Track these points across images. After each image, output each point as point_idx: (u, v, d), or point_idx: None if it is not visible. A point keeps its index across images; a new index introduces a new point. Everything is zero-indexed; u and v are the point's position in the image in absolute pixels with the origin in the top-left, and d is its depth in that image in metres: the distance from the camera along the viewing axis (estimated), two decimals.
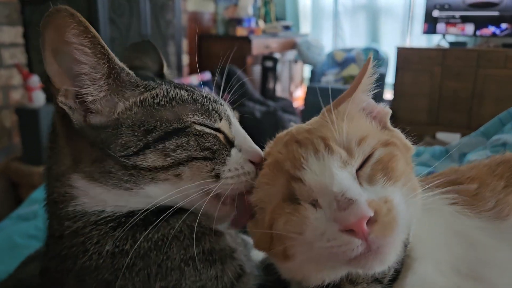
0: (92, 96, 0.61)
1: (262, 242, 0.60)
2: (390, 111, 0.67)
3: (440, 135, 4.16)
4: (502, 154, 0.73)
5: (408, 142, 0.65)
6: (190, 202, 0.64)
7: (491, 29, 4.33)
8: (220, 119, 0.67)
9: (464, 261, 0.59)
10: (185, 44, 4.15)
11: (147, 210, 0.61)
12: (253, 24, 4.93)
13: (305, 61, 5.44)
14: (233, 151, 0.67)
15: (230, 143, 0.67)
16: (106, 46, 0.60)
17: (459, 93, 4.39)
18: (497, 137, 1.34)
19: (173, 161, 0.61)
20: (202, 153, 0.63)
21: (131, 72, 0.64)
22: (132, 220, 0.61)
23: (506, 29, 4.26)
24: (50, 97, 2.69)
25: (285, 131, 0.67)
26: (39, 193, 1.48)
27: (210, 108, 0.66)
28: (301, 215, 0.53)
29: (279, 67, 4.98)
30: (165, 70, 0.81)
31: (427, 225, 0.59)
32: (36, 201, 1.44)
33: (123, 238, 0.61)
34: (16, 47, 2.77)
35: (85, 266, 0.60)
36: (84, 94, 0.61)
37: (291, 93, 5.73)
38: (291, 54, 5.59)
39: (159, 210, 0.62)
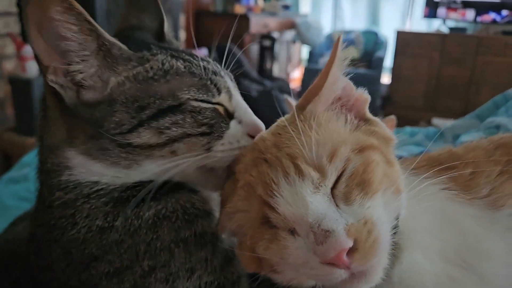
0: (82, 73, 0.59)
1: (250, 264, 0.58)
2: (369, 98, 0.62)
3: (436, 121, 4.15)
4: (500, 136, 0.71)
5: (388, 133, 0.60)
6: (184, 176, 0.63)
7: (492, 15, 4.30)
8: (219, 93, 0.64)
9: (453, 249, 0.58)
10: (182, 19, 4.10)
11: (141, 185, 0.61)
12: (252, 2, 4.87)
13: (304, 42, 5.39)
14: (232, 123, 0.64)
15: (229, 116, 0.65)
16: (93, 22, 0.57)
17: (457, 79, 4.38)
18: (491, 119, 1.34)
19: (168, 138, 0.59)
20: (199, 129, 0.61)
21: (123, 47, 0.60)
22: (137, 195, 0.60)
23: (507, 16, 4.23)
24: None
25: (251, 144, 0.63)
26: (30, 157, 1.49)
27: (209, 82, 0.63)
28: (280, 243, 0.51)
29: (277, 46, 4.94)
30: (166, 28, 0.76)
31: (417, 211, 0.57)
32: (27, 164, 1.43)
33: (114, 213, 0.60)
34: (9, 16, 2.71)
35: (72, 238, 0.59)
36: (73, 71, 0.58)
37: (288, 74, 5.69)
38: (289, 34, 5.53)
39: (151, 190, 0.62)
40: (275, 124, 0.62)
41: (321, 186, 0.50)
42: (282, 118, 0.62)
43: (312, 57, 5.22)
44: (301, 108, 0.58)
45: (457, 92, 4.39)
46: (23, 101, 2.58)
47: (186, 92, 0.60)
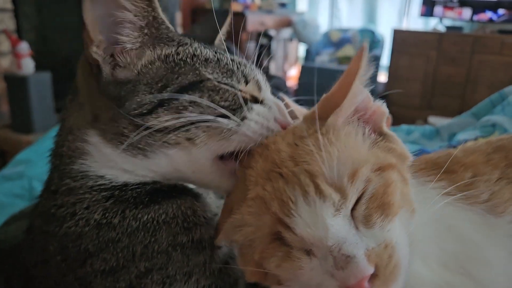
0: (129, 44, 0.59)
1: (253, 276, 0.56)
2: (387, 111, 0.59)
3: (432, 119, 4.16)
4: (499, 138, 0.69)
5: (405, 150, 0.58)
6: (197, 172, 0.61)
7: (488, 14, 4.30)
8: (246, 82, 0.62)
9: (452, 257, 0.57)
10: (178, 17, 4.08)
11: (143, 187, 0.60)
12: (248, 0, 4.85)
13: (301, 40, 5.38)
14: (260, 106, 0.62)
15: (257, 102, 0.62)
16: None
17: (453, 78, 4.39)
18: (487, 118, 1.35)
19: (185, 120, 0.56)
20: (217, 111, 0.57)
21: (171, 26, 0.62)
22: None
23: (503, 15, 4.24)
24: (39, 65, 2.66)
25: (262, 145, 0.59)
26: (24, 155, 1.47)
27: (235, 68, 0.62)
28: (294, 263, 0.49)
29: (273, 44, 4.93)
30: (217, 41, 0.76)
31: (417, 217, 0.55)
32: (21, 162, 1.42)
33: (113, 210, 0.59)
34: (4, 13, 2.70)
35: (69, 232, 0.59)
36: (118, 45, 0.58)
37: (285, 72, 5.69)
38: (286, 32, 5.52)
39: (155, 190, 0.61)
40: (290, 132, 0.58)
41: (342, 208, 0.48)
42: (298, 126, 0.58)
43: (309, 55, 5.22)
44: (320, 119, 0.54)
45: (453, 90, 4.39)
46: (18, 98, 2.58)
47: (210, 72, 0.60)
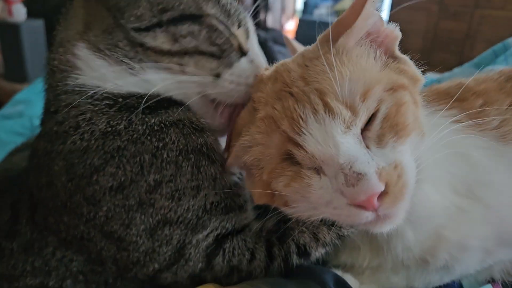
0: None
1: (261, 197, 0.57)
2: (400, 34, 0.59)
3: (431, 76, 4.14)
4: (511, 68, 0.69)
5: (417, 72, 0.59)
6: (187, 97, 0.61)
7: None
8: (239, 26, 0.64)
9: (462, 181, 0.59)
10: None
11: (147, 95, 0.59)
12: None
13: None
14: (244, 59, 0.64)
15: (243, 53, 0.64)
16: None
17: (453, 33, 4.32)
18: (489, 68, 1.34)
19: (181, 48, 0.59)
20: (210, 48, 0.60)
21: None
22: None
23: None
24: (31, 11, 2.58)
25: (271, 69, 0.61)
26: (23, 95, 1.46)
27: (232, 11, 0.64)
28: (304, 182, 0.50)
29: None
30: None
31: (428, 144, 0.56)
32: (20, 102, 1.40)
33: (117, 117, 0.58)
34: None
35: (74, 148, 0.57)
36: None
37: (282, 25, 5.56)
38: None
39: (158, 101, 0.60)
40: (299, 54, 0.59)
41: (352, 125, 0.48)
42: (307, 49, 0.59)
43: (307, 8, 5.10)
44: (332, 40, 0.54)
45: (452, 46, 4.34)
46: (11, 46, 2.51)
47: (211, 8, 0.61)
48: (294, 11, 6.00)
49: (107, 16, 0.59)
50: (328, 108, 0.49)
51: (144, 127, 0.58)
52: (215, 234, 0.61)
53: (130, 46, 0.58)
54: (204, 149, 0.61)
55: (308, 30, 3.85)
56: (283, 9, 5.57)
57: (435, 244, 0.60)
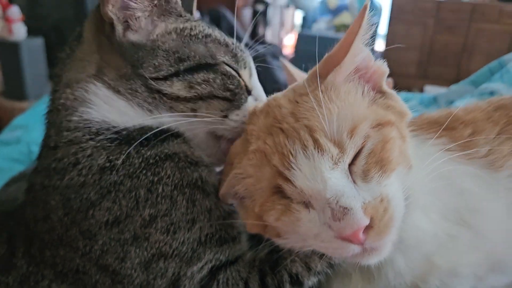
0: (139, 12, 0.63)
1: (254, 228, 0.58)
2: (387, 70, 0.60)
3: (428, 88, 4.16)
4: (500, 98, 0.70)
5: (404, 107, 0.59)
6: (193, 134, 0.66)
7: None
8: (245, 68, 0.69)
9: (452, 209, 0.59)
10: None
11: (149, 129, 0.62)
12: None
13: (297, 6, 5.29)
14: (250, 98, 0.69)
15: (248, 92, 0.69)
16: None
17: (450, 47, 4.35)
18: (485, 85, 1.35)
19: (196, 94, 0.63)
20: (224, 93, 0.64)
21: (179, 1, 0.67)
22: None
23: None
24: (31, 30, 2.60)
25: (262, 104, 0.62)
26: (21, 120, 1.47)
27: (239, 55, 0.68)
28: (293, 215, 0.51)
29: (270, 11, 4.84)
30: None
31: (417, 171, 0.57)
32: (18, 127, 1.41)
33: (117, 152, 0.59)
34: None
35: (71, 183, 0.58)
36: (131, 8, 0.62)
37: (281, 39, 5.61)
38: None
39: (155, 133, 0.62)
40: (290, 89, 0.60)
41: (340, 162, 0.49)
42: (298, 85, 0.60)
43: (306, 22, 5.15)
44: (321, 77, 0.55)
45: (449, 59, 4.37)
46: (10, 65, 2.53)
47: (223, 56, 0.66)
48: (293, 26, 6.05)
49: (123, 65, 0.62)
50: (317, 145, 0.50)
51: (140, 160, 0.59)
52: (210, 266, 0.61)
53: (148, 93, 0.62)
54: (199, 182, 0.62)
55: (307, 45, 3.87)
56: (282, 24, 5.62)
57: (426, 271, 0.60)
